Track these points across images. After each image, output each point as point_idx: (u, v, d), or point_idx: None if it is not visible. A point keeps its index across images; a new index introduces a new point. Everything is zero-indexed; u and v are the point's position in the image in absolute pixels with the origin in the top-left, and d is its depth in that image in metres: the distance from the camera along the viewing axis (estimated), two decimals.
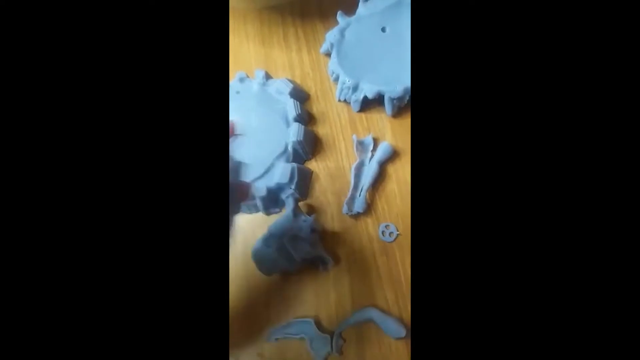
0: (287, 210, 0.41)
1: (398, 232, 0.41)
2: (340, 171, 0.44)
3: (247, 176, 0.43)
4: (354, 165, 0.43)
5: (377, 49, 0.46)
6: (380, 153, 0.44)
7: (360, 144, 0.44)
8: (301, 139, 0.43)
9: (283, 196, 0.43)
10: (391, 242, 0.41)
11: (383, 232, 0.41)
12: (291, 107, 0.45)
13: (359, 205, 0.42)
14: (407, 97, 0.45)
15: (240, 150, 0.43)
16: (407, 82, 0.44)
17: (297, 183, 0.42)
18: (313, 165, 0.45)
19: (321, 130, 0.47)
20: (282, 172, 0.42)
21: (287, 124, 0.45)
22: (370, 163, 0.44)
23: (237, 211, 0.43)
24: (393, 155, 0.45)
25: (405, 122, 0.46)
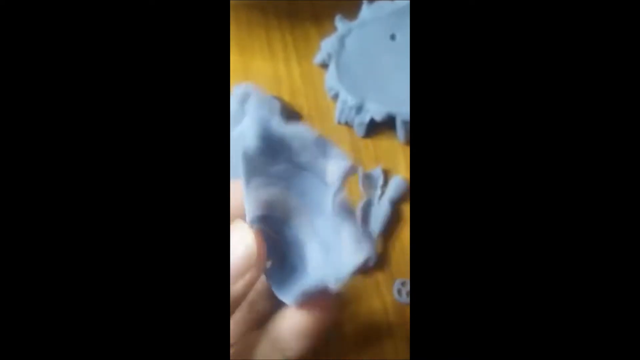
0: None
1: None
2: None
3: None
4: (359, 205, 0.38)
5: (386, 61, 0.42)
6: (392, 190, 0.39)
7: (367, 178, 0.40)
8: None
9: None
10: (409, 303, 0.36)
11: (399, 291, 0.36)
12: None
13: None
14: None
15: None
16: None
17: None
18: None
19: None
20: None
21: None
22: (380, 202, 0.39)
23: None
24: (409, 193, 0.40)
25: None
